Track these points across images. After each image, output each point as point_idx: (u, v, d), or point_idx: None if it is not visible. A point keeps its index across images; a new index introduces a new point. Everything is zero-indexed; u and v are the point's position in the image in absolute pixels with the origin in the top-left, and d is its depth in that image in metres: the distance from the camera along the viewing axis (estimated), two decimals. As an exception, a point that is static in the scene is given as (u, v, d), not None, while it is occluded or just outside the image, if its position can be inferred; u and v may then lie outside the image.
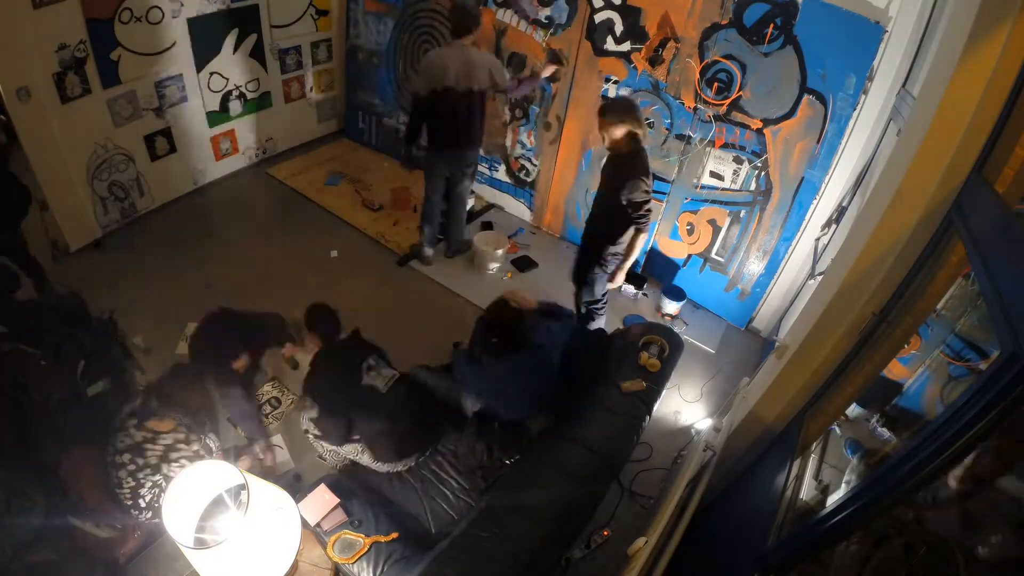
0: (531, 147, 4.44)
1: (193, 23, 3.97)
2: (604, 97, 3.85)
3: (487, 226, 4.62)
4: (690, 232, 3.96)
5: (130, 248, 3.96)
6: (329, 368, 2.49)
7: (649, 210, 2.89)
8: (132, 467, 2.07)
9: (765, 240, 3.68)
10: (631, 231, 2.98)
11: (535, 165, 4.50)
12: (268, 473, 2.66)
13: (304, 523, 2.12)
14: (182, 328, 3.34)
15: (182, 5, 3.85)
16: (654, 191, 3.91)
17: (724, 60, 3.34)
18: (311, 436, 2.58)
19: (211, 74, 4.28)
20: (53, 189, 3.55)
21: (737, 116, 3.45)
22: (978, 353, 2.03)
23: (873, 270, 1.82)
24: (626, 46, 3.65)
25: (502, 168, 4.71)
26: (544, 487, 2.20)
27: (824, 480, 2.02)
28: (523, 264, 4.30)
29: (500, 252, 4.14)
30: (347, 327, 2.65)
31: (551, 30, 3.90)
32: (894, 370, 2.25)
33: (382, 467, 2.48)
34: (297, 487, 2.52)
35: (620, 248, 3.07)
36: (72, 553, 2.10)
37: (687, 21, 3.38)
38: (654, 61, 3.58)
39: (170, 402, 2.14)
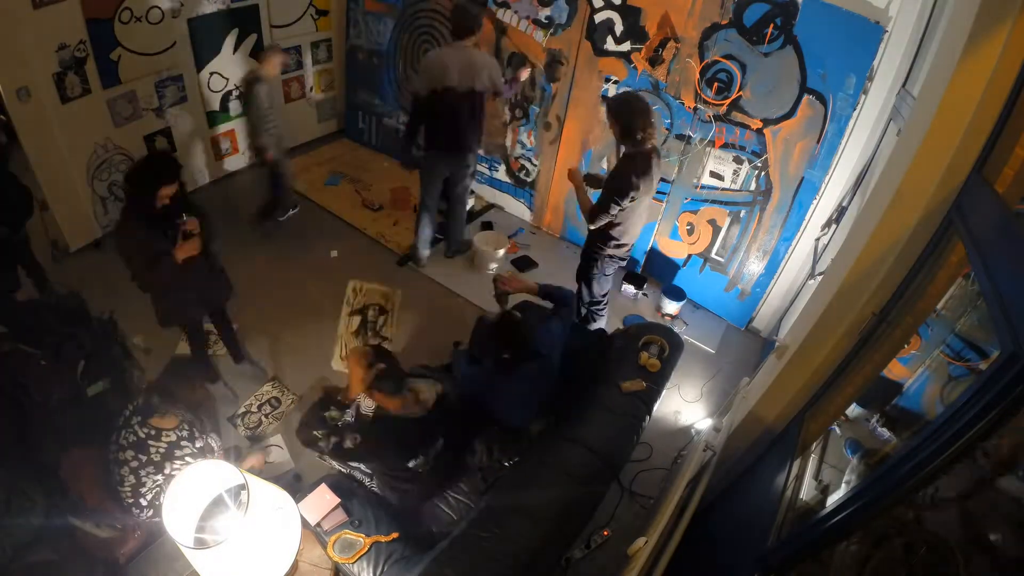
0: (531, 147, 4.44)
1: (193, 23, 3.98)
2: (604, 97, 3.85)
3: (487, 226, 4.62)
4: (690, 232, 3.96)
5: (130, 248, 3.95)
6: (380, 447, 2.29)
7: (609, 212, 2.82)
8: (135, 464, 2.08)
9: (765, 240, 3.68)
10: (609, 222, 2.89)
11: (535, 165, 4.50)
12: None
13: (304, 523, 2.12)
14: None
15: (182, 5, 3.85)
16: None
17: (724, 60, 3.34)
18: (326, 456, 2.37)
19: (211, 74, 4.28)
20: (53, 189, 3.55)
21: (737, 116, 3.45)
22: (978, 353, 2.03)
23: (873, 270, 1.82)
24: (626, 46, 3.65)
25: (502, 168, 4.71)
26: (544, 487, 2.20)
27: (824, 480, 2.02)
28: (523, 264, 4.30)
29: (500, 252, 4.14)
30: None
31: (551, 30, 3.90)
32: (894, 370, 2.25)
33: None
34: (297, 487, 2.52)
35: (620, 252, 3.06)
36: (72, 553, 2.11)
37: (687, 21, 3.38)
38: (654, 61, 3.58)
39: (173, 399, 2.14)
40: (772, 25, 3.13)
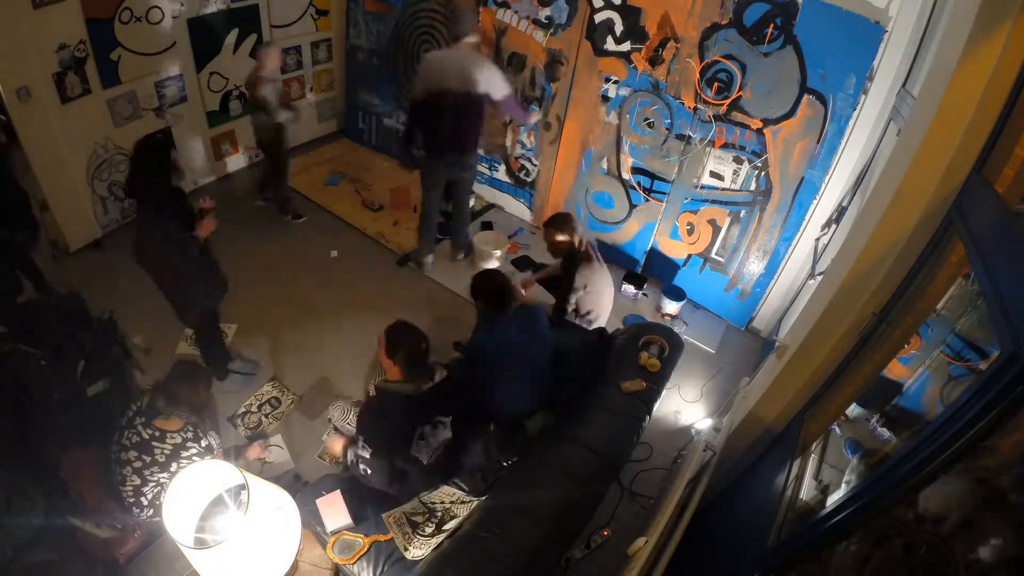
0: (531, 147, 4.44)
1: (193, 23, 3.98)
2: (604, 97, 3.85)
3: (487, 226, 4.62)
4: (690, 232, 3.96)
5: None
6: (385, 425, 2.25)
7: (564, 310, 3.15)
8: (138, 464, 2.08)
9: (765, 240, 3.68)
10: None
11: (535, 165, 4.50)
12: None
13: (309, 524, 2.12)
14: (182, 328, 3.34)
15: (182, 5, 3.86)
16: (654, 191, 3.95)
17: (724, 60, 3.34)
18: (361, 469, 2.29)
19: (211, 74, 4.28)
20: (53, 189, 3.55)
21: (737, 116, 3.45)
22: (978, 353, 2.03)
23: (873, 270, 1.82)
24: (626, 46, 3.65)
25: (502, 168, 4.71)
26: (544, 487, 2.20)
27: (824, 480, 2.02)
28: (523, 264, 4.30)
29: (500, 252, 4.14)
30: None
31: (551, 30, 3.90)
32: (894, 370, 2.25)
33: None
34: (297, 487, 2.52)
35: (587, 318, 3.21)
36: (72, 553, 2.11)
37: (687, 21, 3.38)
38: (654, 61, 3.58)
39: (177, 401, 2.14)
40: (772, 25, 3.13)
